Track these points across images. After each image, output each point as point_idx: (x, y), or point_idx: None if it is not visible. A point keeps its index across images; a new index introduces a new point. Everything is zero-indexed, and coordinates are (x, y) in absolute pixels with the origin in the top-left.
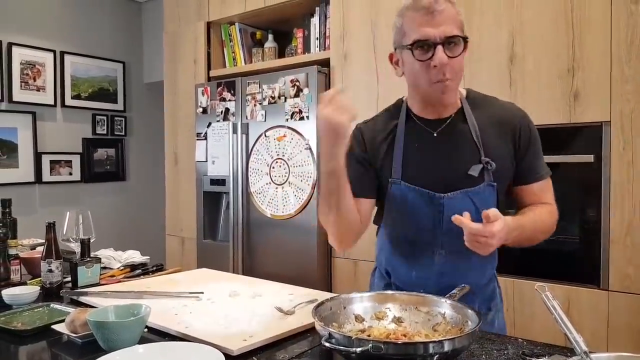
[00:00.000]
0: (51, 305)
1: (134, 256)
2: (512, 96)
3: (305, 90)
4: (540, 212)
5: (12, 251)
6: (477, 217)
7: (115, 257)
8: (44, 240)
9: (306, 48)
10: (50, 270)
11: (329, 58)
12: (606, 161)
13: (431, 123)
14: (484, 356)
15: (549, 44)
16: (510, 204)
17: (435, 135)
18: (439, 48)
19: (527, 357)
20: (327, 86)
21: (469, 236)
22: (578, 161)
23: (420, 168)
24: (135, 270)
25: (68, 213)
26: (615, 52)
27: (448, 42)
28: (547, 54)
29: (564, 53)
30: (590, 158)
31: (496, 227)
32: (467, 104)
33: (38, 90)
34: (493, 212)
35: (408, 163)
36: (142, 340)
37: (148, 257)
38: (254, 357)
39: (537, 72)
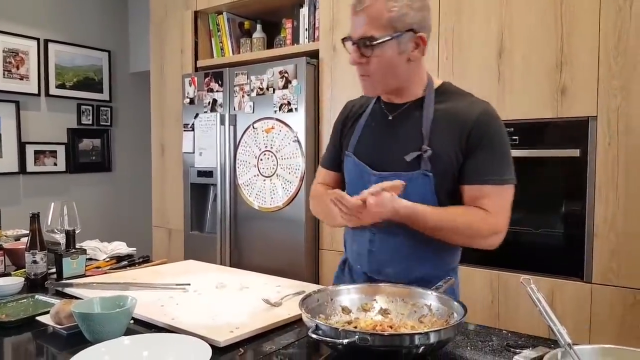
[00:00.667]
0: (36, 297)
1: (120, 247)
2: (499, 90)
3: (294, 82)
4: (464, 213)
5: None
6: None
7: (100, 249)
8: (28, 231)
9: (295, 39)
10: (35, 262)
11: (318, 49)
12: (592, 156)
13: (391, 107)
14: (469, 347)
15: (537, 39)
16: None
17: (390, 118)
18: (353, 48)
19: (512, 349)
20: (316, 78)
21: (344, 208)
22: (564, 155)
23: (369, 145)
24: (121, 262)
25: (53, 204)
26: (603, 48)
27: (363, 42)
28: (535, 49)
29: (553, 48)
30: (576, 152)
31: (374, 205)
32: (434, 94)
33: (21, 79)
34: (373, 190)
35: (362, 139)
36: (128, 332)
37: (134, 249)
38: (240, 349)
39: (525, 66)
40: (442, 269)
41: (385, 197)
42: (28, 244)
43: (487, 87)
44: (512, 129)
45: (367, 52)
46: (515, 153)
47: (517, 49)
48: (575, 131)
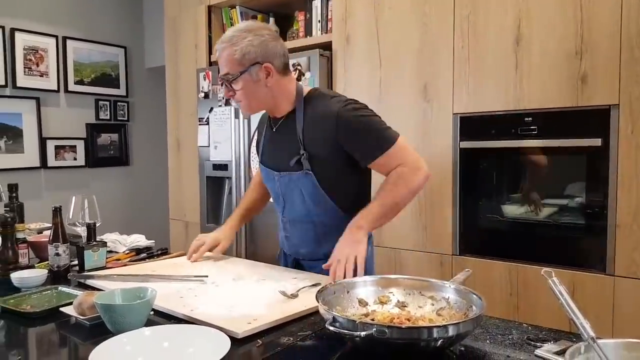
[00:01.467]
0: (59, 288)
1: (139, 240)
2: (517, 79)
3: (307, 75)
4: (386, 186)
5: (19, 235)
6: (301, 197)
7: (120, 241)
8: (50, 225)
9: (308, 31)
10: (58, 254)
11: (331, 41)
12: (614, 145)
13: (274, 121)
14: (488, 341)
15: (556, 25)
16: None
17: (274, 130)
18: (224, 86)
19: (532, 342)
20: (330, 70)
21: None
22: (585, 145)
23: (267, 154)
24: (140, 254)
25: (74, 198)
26: (625, 33)
27: (224, 79)
28: (554, 36)
29: (572, 34)
30: (597, 142)
31: (337, 258)
32: (302, 104)
33: (41, 75)
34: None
35: (264, 149)
36: (149, 323)
37: (153, 241)
38: (258, 340)
39: (544, 54)
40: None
41: (339, 251)
42: (51, 237)
43: (504, 76)
44: (530, 119)
45: (234, 86)
46: (534, 143)
47: (535, 36)
48: (597, 120)
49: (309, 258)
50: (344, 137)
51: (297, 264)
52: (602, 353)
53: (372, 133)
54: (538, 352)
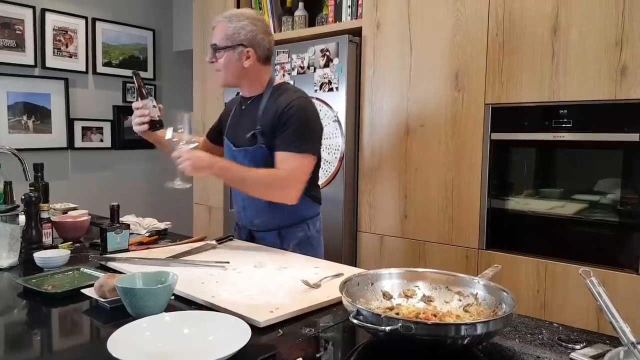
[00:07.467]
0: (81, 269)
1: (155, 223)
2: (553, 69)
3: (336, 61)
4: (259, 170)
5: (44, 215)
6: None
7: (140, 223)
8: (75, 205)
9: (337, 16)
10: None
11: (360, 27)
12: None
13: (244, 100)
14: (517, 340)
15: (596, 15)
16: None
17: (243, 108)
18: (209, 52)
19: (564, 343)
20: (358, 57)
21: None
22: (622, 140)
23: (232, 128)
24: (164, 239)
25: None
26: None
27: (212, 48)
28: (593, 25)
29: (612, 24)
30: (635, 137)
31: (184, 151)
32: (271, 91)
33: (70, 56)
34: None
35: (229, 124)
36: (170, 308)
37: (169, 223)
38: (280, 330)
39: (582, 44)
40: (297, 218)
41: (200, 152)
42: (137, 98)
43: (539, 67)
44: (565, 111)
45: (216, 55)
46: (569, 137)
47: (574, 25)
48: (635, 114)
49: (261, 229)
50: (278, 122)
51: (251, 237)
52: None
53: (299, 133)
54: (574, 355)
